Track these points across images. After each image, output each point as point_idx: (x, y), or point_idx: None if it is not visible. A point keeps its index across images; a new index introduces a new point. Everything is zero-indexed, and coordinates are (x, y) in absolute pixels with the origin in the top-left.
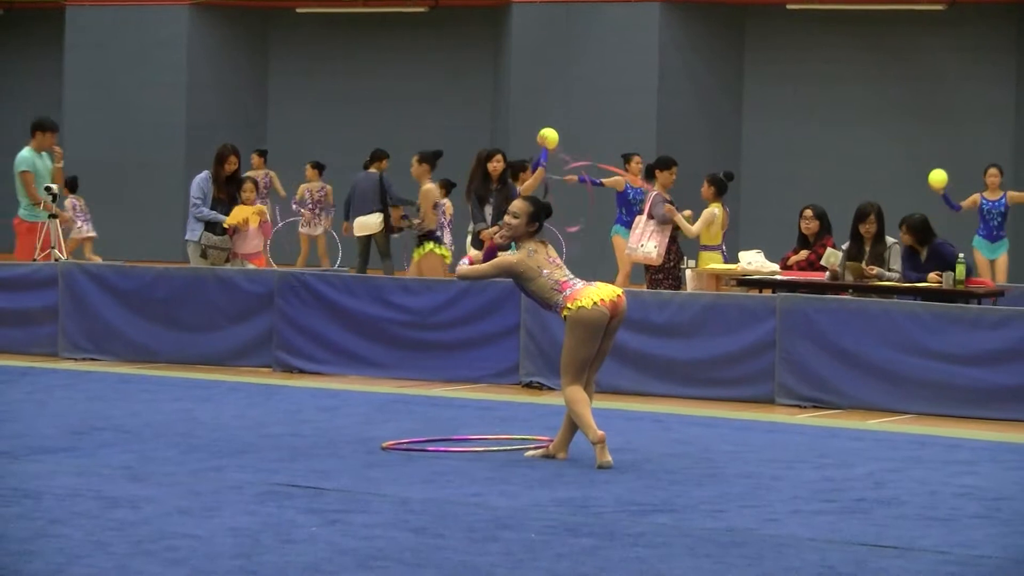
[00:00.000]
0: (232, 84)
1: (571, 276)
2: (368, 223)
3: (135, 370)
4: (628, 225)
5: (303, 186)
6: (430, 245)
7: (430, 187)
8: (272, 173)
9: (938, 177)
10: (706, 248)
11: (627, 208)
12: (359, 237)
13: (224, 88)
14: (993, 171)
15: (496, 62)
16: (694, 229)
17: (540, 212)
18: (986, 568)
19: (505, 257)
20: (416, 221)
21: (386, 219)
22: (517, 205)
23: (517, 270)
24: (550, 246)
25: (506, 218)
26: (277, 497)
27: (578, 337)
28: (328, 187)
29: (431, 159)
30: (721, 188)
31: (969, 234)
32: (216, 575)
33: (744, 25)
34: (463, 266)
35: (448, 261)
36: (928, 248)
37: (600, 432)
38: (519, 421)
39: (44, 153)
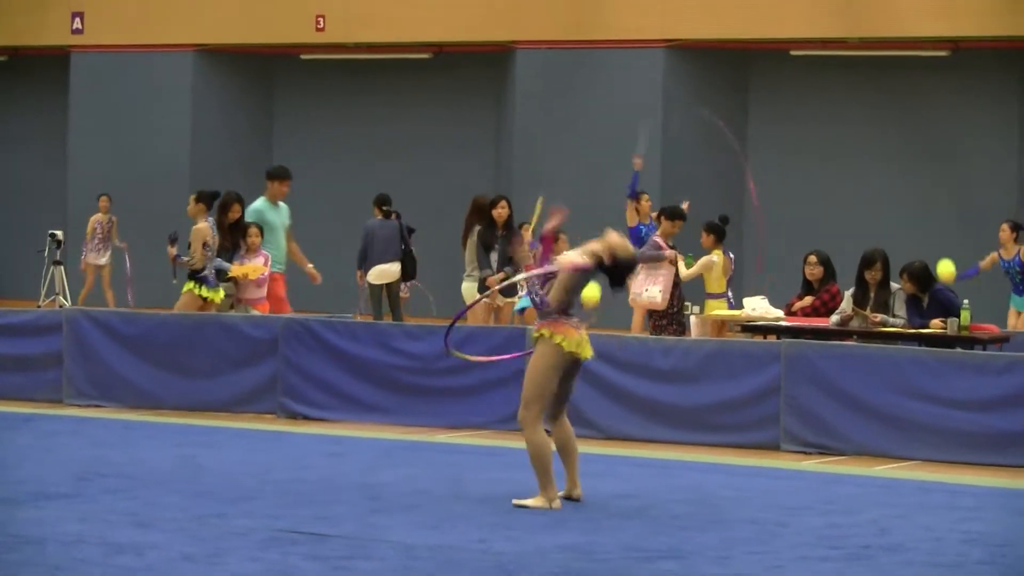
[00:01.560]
0: (236, 130)
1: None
2: (388, 271)
3: (139, 416)
4: None
5: (93, 217)
6: (190, 284)
7: (201, 226)
8: (115, 218)
9: (946, 270)
10: (712, 296)
11: (640, 246)
12: (373, 285)
13: (228, 133)
14: (1005, 227)
15: (499, 107)
16: (689, 272)
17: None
18: None
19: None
20: (185, 259)
21: (404, 267)
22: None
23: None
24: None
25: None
26: (281, 543)
27: (548, 365)
28: (115, 218)
29: (208, 199)
30: (720, 234)
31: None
32: None
33: (748, 70)
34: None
35: (216, 301)
36: (929, 294)
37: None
38: (525, 467)
39: (280, 204)
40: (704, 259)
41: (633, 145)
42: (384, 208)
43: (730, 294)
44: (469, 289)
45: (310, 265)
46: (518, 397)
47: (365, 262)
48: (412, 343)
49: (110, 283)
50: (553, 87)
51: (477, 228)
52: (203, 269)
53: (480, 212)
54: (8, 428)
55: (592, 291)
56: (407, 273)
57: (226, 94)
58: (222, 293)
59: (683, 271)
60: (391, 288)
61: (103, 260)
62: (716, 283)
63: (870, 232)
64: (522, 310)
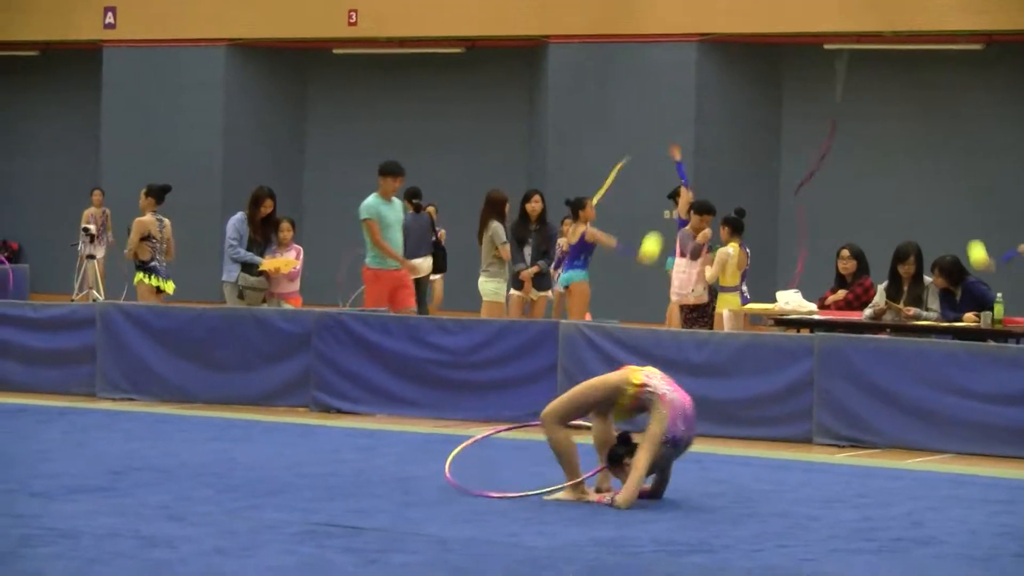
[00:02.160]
0: (268, 125)
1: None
2: (420, 266)
3: (172, 410)
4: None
5: (86, 211)
6: (140, 275)
7: (144, 219)
8: (108, 211)
9: (978, 254)
10: (725, 289)
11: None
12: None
13: (260, 129)
14: None
15: (532, 102)
16: (710, 274)
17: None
18: None
19: (647, 448)
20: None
21: (435, 261)
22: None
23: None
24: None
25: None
26: (315, 537)
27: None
28: (108, 211)
29: (158, 193)
30: (736, 227)
31: None
32: None
33: (781, 64)
34: (621, 497)
35: (169, 291)
36: (962, 288)
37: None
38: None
39: (394, 199)
40: (720, 252)
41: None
42: (415, 202)
43: (744, 288)
44: (484, 284)
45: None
46: (550, 390)
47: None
48: (445, 337)
49: (103, 276)
50: (585, 81)
51: (495, 223)
52: (151, 260)
53: (494, 207)
54: (42, 422)
55: (651, 245)
56: (438, 267)
57: (258, 89)
58: (172, 284)
59: (706, 273)
60: (420, 283)
61: (99, 253)
62: (731, 276)
63: (903, 226)
64: (567, 285)
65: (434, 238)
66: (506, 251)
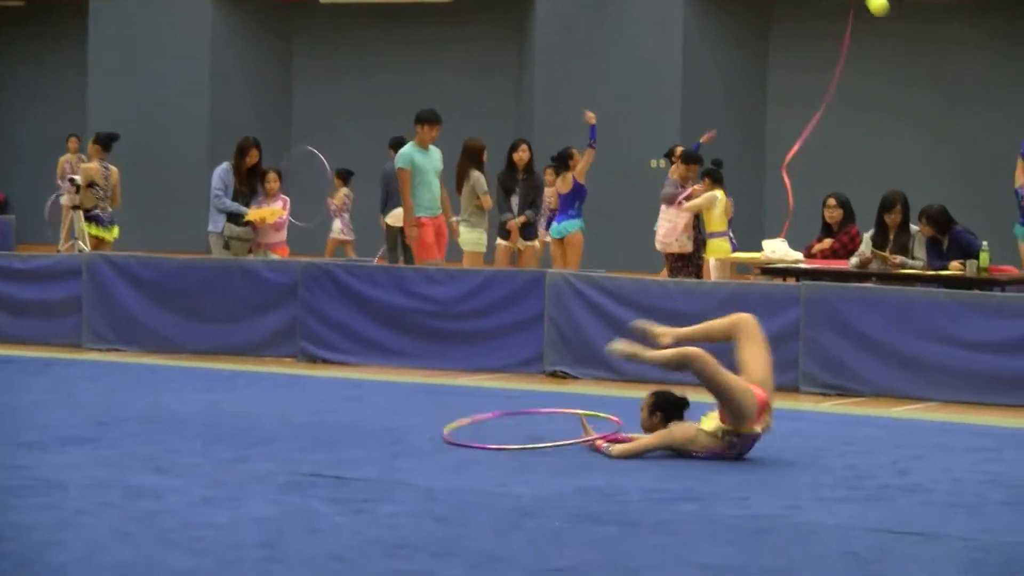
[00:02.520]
0: (255, 76)
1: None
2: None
3: (159, 361)
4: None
5: (62, 158)
6: (83, 224)
7: (87, 166)
8: (83, 157)
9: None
10: (713, 235)
11: None
12: (390, 228)
13: (247, 80)
14: None
15: (520, 53)
16: (691, 204)
17: (664, 406)
18: (1011, 554)
19: (660, 433)
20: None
21: None
22: (645, 400)
23: (676, 439)
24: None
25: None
26: (302, 487)
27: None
28: (83, 158)
29: (104, 141)
30: (716, 177)
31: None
32: (241, 565)
33: (769, 15)
34: (618, 447)
35: (109, 239)
36: (949, 237)
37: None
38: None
39: (431, 148)
40: (709, 193)
41: (654, 90)
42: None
43: (731, 234)
44: (465, 235)
45: (454, 218)
46: (537, 340)
47: (386, 205)
48: (432, 287)
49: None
50: (573, 33)
51: (476, 172)
52: (93, 208)
53: (472, 155)
54: (29, 373)
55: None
56: None
57: (245, 41)
58: (115, 230)
59: (689, 204)
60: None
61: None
62: (718, 222)
63: (889, 175)
64: (562, 236)
65: None
66: (488, 200)
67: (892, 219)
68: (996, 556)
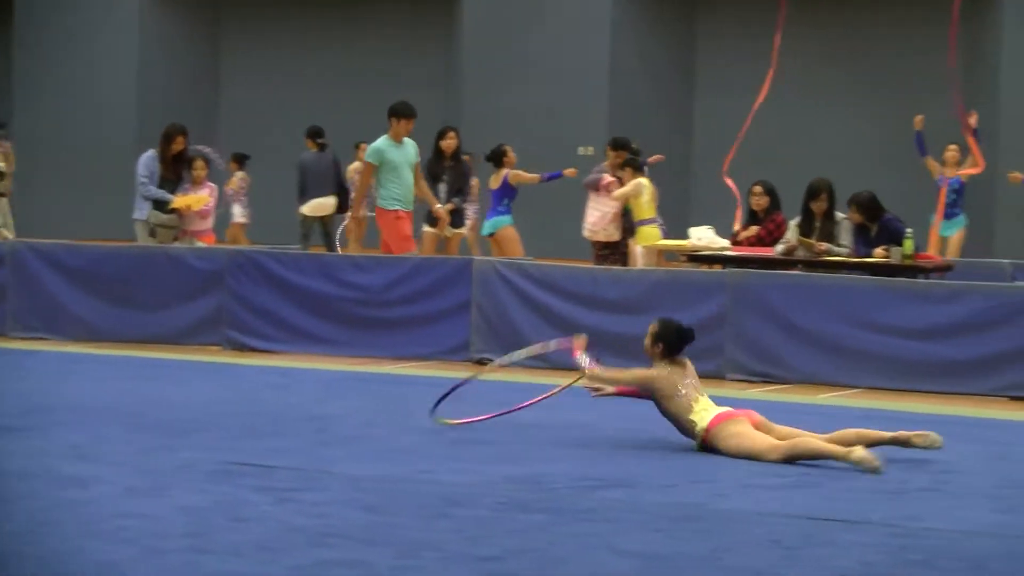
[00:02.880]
0: (184, 63)
1: (709, 403)
2: (323, 204)
3: (85, 349)
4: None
5: None
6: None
7: (8, 152)
8: (8, 145)
9: None
10: (643, 222)
11: None
12: (306, 218)
13: (176, 68)
14: (952, 148)
15: (449, 40)
16: (618, 192)
17: (665, 335)
18: (934, 540)
19: (644, 369)
20: None
21: (339, 200)
22: (650, 327)
23: (656, 384)
24: (689, 365)
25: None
26: (228, 476)
27: (733, 440)
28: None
29: None
30: (636, 166)
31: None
32: (167, 554)
33: (696, 4)
34: (595, 368)
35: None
36: (878, 224)
37: (850, 449)
38: (470, 397)
39: (406, 140)
40: (635, 181)
41: (583, 77)
42: (319, 141)
43: (661, 220)
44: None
45: (438, 206)
46: (464, 327)
47: (303, 195)
48: (359, 274)
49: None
50: (503, 20)
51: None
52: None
53: None
54: None
55: None
56: (343, 206)
57: (172, 27)
58: None
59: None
60: (325, 221)
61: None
62: (647, 208)
63: (815, 164)
64: (491, 232)
65: (338, 178)
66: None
67: (818, 207)
68: (920, 542)
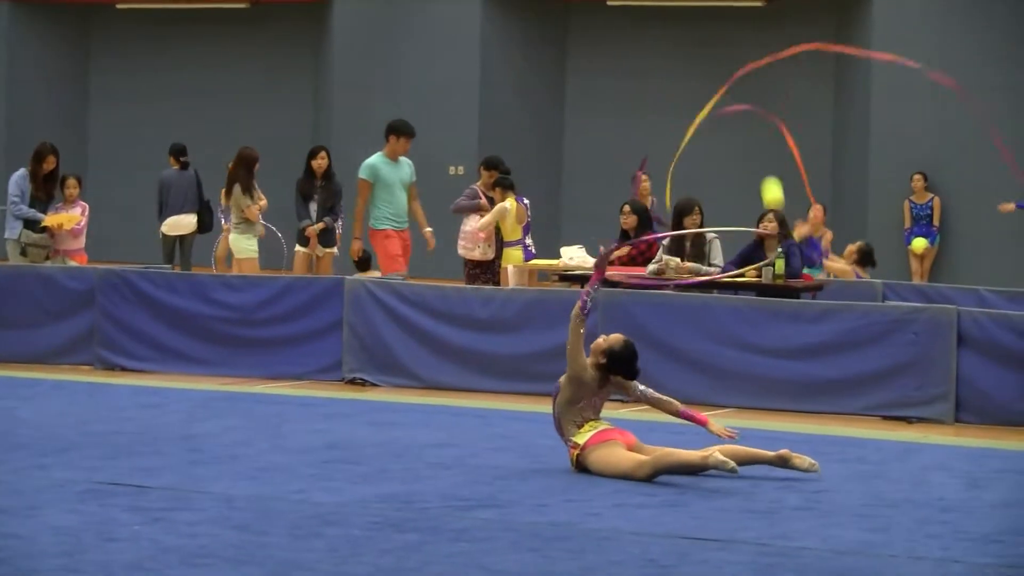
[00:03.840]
0: (52, 80)
1: (602, 424)
2: (182, 223)
3: None
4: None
5: None
6: None
7: None
8: None
9: (772, 194)
10: (508, 244)
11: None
12: (166, 237)
13: (44, 85)
14: (918, 178)
15: (318, 58)
16: (482, 223)
17: (619, 360)
18: (806, 559)
19: (587, 361)
20: None
21: (200, 220)
22: (614, 340)
23: (580, 379)
24: (604, 392)
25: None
26: (100, 495)
27: (603, 462)
28: None
29: None
30: (507, 184)
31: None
32: (39, 574)
33: (566, 20)
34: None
35: None
36: (782, 246)
37: (707, 454)
38: (342, 417)
39: (401, 159)
40: (497, 207)
41: (452, 93)
42: (181, 159)
43: (528, 241)
44: (236, 242)
45: (428, 229)
46: (336, 347)
47: (162, 213)
48: (230, 293)
49: None
50: (372, 37)
51: (237, 188)
52: None
53: (244, 164)
54: None
55: (773, 191)
56: (204, 225)
57: (41, 45)
58: None
59: (482, 222)
60: (184, 240)
61: None
62: (511, 231)
63: (688, 183)
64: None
65: (200, 197)
66: (252, 212)
67: (691, 222)
68: (792, 561)
